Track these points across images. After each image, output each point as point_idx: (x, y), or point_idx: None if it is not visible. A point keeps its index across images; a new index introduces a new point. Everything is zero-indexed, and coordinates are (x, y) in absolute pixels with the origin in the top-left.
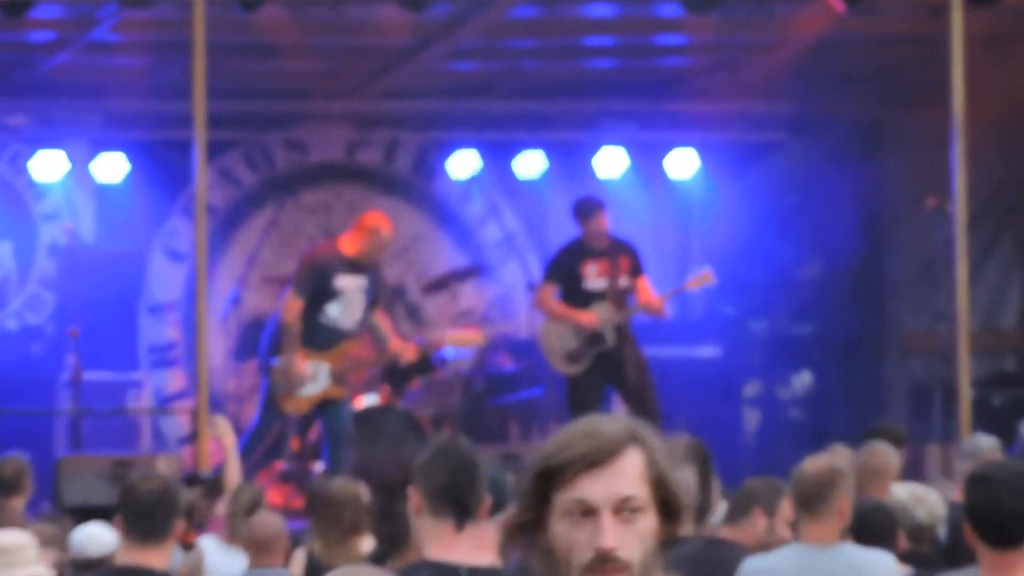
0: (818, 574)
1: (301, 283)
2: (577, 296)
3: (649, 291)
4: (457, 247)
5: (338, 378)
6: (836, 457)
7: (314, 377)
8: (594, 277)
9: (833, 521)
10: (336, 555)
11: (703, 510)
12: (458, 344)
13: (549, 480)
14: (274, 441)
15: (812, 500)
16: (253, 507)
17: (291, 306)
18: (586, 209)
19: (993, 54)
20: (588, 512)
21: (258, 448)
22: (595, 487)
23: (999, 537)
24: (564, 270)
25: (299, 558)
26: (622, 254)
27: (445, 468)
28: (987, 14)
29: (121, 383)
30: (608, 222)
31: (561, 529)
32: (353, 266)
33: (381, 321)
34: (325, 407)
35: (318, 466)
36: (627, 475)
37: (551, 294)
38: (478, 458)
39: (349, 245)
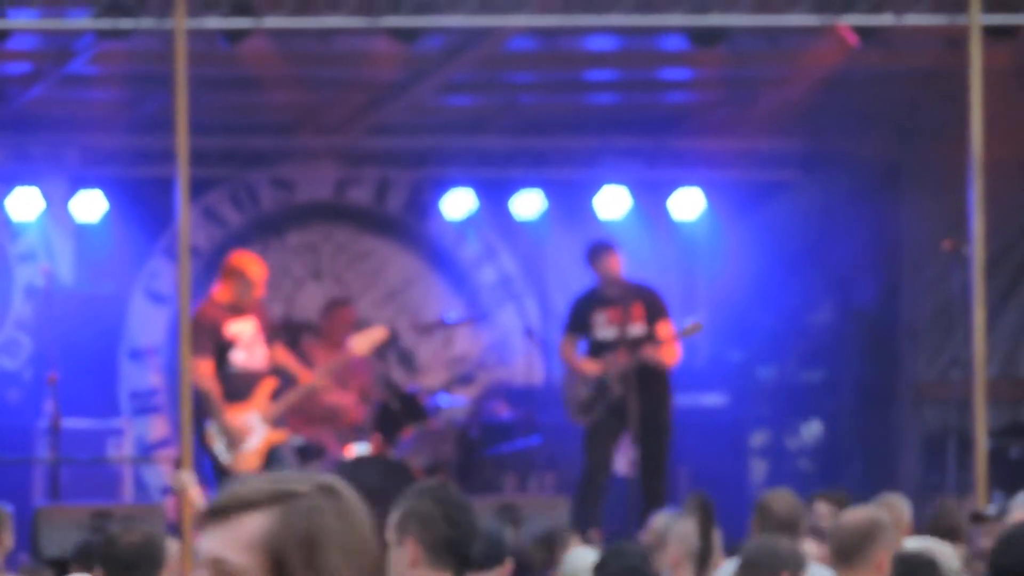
0: None
1: (197, 345)
2: (592, 346)
3: (669, 336)
4: (451, 291)
5: (273, 422)
6: (879, 509)
7: (251, 429)
8: (603, 326)
9: (873, 574)
10: None
11: (704, 561)
12: (365, 345)
13: None
14: None
15: (849, 552)
16: None
17: (201, 370)
18: (594, 253)
19: (1015, 89)
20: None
21: None
22: (205, 540)
23: None
24: (578, 320)
25: None
26: (636, 300)
27: (449, 520)
28: (1008, 46)
29: (101, 431)
30: (619, 266)
31: None
32: (234, 311)
33: (284, 358)
34: (268, 455)
35: None
36: (234, 537)
37: (571, 345)
38: (473, 507)
39: (222, 293)
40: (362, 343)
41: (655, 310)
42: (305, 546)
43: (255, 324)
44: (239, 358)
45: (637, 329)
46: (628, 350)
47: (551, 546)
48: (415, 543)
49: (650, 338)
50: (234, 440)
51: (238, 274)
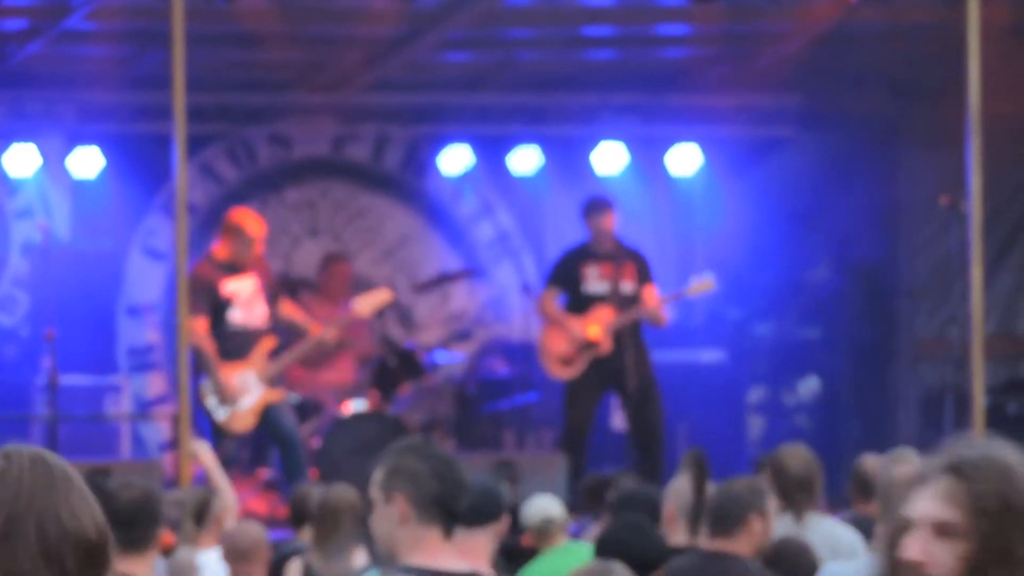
0: None
1: (192, 303)
2: (577, 299)
3: (654, 301)
4: (449, 247)
5: (270, 381)
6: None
7: (246, 388)
8: (595, 280)
9: None
10: (335, 566)
11: (698, 517)
12: (369, 307)
13: None
14: (258, 449)
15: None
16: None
17: (195, 327)
18: (592, 207)
19: (1014, 45)
20: None
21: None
22: None
23: None
24: (565, 273)
25: (294, 570)
26: (628, 260)
27: (437, 476)
28: (1007, 2)
29: (99, 387)
30: (615, 224)
31: None
32: (232, 269)
33: (292, 312)
34: (265, 413)
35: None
36: None
37: (552, 298)
38: (459, 463)
39: (221, 250)
40: (365, 305)
41: (644, 273)
42: None
43: (255, 282)
44: (236, 316)
45: (628, 287)
46: (618, 306)
47: (601, 490)
48: (404, 500)
49: (638, 298)
50: (228, 398)
51: (236, 231)
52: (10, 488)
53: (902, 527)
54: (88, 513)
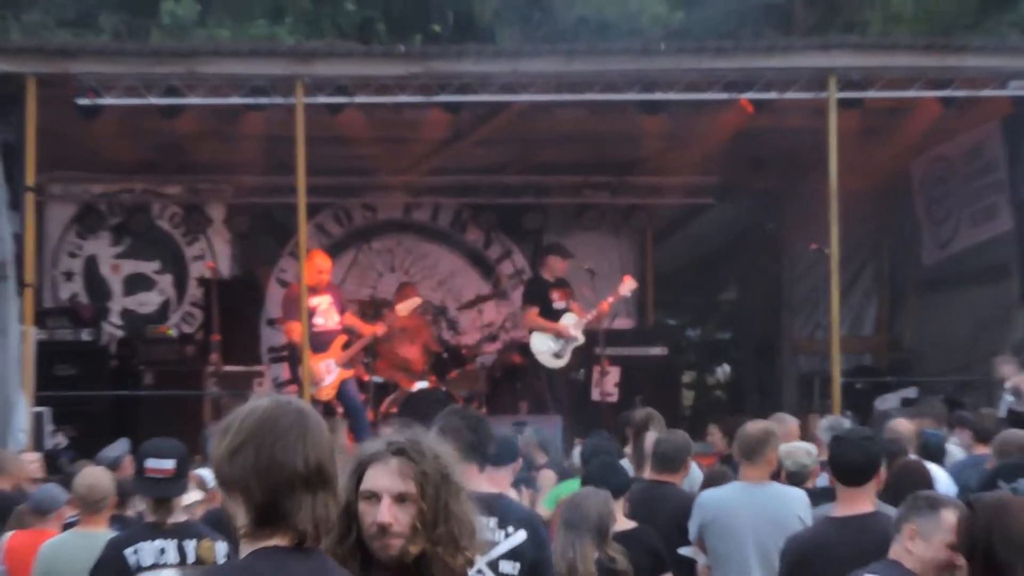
0: (758, 503)
1: (289, 312)
2: (550, 313)
3: (605, 307)
4: (482, 279)
5: (344, 364)
6: (772, 422)
7: (328, 370)
8: (558, 300)
9: (766, 467)
10: None
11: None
12: (407, 310)
13: None
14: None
15: (752, 452)
16: None
17: (293, 329)
18: (558, 252)
19: (861, 142)
20: None
21: None
22: None
23: (848, 479)
24: (541, 297)
25: None
26: (567, 287)
27: (472, 429)
28: (855, 113)
29: (249, 373)
30: (566, 265)
31: None
32: (313, 290)
33: (352, 321)
34: (339, 387)
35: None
36: None
37: (537, 314)
38: (487, 420)
39: (307, 277)
40: (404, 308)
41: (571, 296)
42: None
43: (330, 299)
44: (319, 321)
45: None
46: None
47: (625, 427)
48: (450, 446)
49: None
50: (315, 378)
51: (310, 262)
52: (252, 421)
53: (363, 496)
54: (301, 452)
